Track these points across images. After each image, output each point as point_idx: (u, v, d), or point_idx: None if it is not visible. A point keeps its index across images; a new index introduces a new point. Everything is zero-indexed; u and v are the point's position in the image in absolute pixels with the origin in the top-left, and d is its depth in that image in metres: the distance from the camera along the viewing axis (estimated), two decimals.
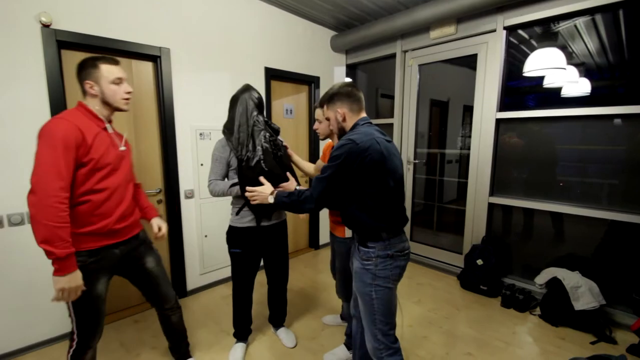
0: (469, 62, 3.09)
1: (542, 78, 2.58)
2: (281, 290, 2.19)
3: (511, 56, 2.84)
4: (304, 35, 3.57)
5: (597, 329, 2.25)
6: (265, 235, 1.95)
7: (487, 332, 2.33)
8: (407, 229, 3.31)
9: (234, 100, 1.82)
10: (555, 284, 2.42)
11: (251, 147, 1.74)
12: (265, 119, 1.84)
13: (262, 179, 1.67)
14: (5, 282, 1.98)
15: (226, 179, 1.88)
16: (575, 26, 2.48)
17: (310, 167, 2.09)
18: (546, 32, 2.64)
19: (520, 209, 2.86)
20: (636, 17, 2.24)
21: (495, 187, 3.02)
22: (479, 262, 2.85)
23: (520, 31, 2.78)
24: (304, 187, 1.63)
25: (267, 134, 1.80)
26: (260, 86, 3.17)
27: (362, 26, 3.61)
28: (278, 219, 1.99)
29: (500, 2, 2.62)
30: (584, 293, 2.28)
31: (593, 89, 2.47)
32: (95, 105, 1.44)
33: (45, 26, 1.98)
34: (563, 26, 2.55)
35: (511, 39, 2.82)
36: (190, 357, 1.97)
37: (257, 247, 1.95)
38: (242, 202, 1.86)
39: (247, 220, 1.88)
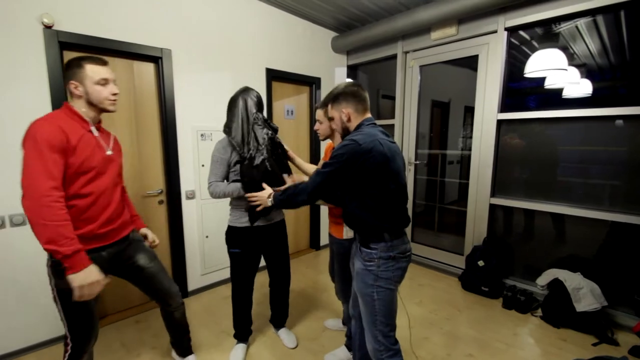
0: (470, 63, 3.08)
1: (543, 79, 2.57)
2: (283, 291, 2.19)
3: (512, 57, 2.84)
4: (304, 36, 3.58)
5: (598, 330, 2.24)
6: (264, 235, 1.95)
7: (488, 333, 2.32)
8: (408, 230, 3.31)
9: (233, 101, 1.83)
10: (556, 286, 2.41)
11: (254, 145, 1.74)
12: (265, 118, 1.84)
13: (264, 185, 1.70)
14: (6, 282, 1.98)
15: (225, 181, 1.87)
16: (577, 27, 2.48)
17: (311, 169, 2.09)
18: (547, 33, 2.64)
19: (522, 210, 2.85)
20: (637, 17, 2.23)
21: (497, 188, 3.02)
22: (480, 263, 2.85)
23: (521, 32, 2.78)
24: None
25: (269, 131, 1.81)
26: (261, 87, 3.17)
27: (363, 27, 3.61)
28: (275, 219, 2.00)
29: (502, 3, 2.62)
30: (585, 294, 2.27)
31: (594, 90, 2.46)
32: (81, 107, 1.41)
33: (48, 27, 1.99)
34: (564, 27, 2.54)
35: (512, 40, 2.82)
36: (191, 353, 1.98)
37: (255, 247, 1.96)
38: (241, 202, 1.87)
39: (245, 220, 1.89)
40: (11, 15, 1.89)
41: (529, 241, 2.88)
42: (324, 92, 3.80)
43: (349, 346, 2.03)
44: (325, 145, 2.21)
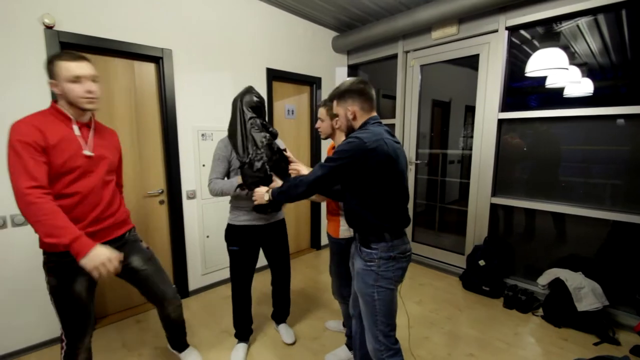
0: (471, 62, 3.08)
1: (544, 78, 2.57)
2: (283, 288, 2.22)
3: (513, 56, 2.84)
4: (305, 36, 3.58)
5: (600, 330, 2.24)
6: (262, 234, 1.98)
7: (489, 332, 2.32)
8: (409, 229, 3.31)
9: (234, 102, 1.84)
10: (558, 285, 2.41)
11: (253, 149, 1.74)
12: (264, 122, 1.83)
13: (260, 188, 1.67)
14: (7, 282, 1.99)
15: (226, 178, 1.90)
16: (578, 26, 2.48)
17: None
18: (548, 32, 2.64)
19: (523, 209, 2.85)
20: (638, 16, 2.23)
21: (498, 187, 3.01)
22: (481, 262, 2.84)
23: (522, 31, 2.78)
24: None
25: (267, 134, 1.80)
26: (261, 87, 3.17)
27: (364, 27, 3.61)
28: (274, 218, 2.01)
29: (502, 3, 2.61)
30: (587, 294, 2.26)
31: (595, 89, 2.46)
32: (64, 105, 1.38)
33: (49, 27, 1.99)
34: (565, 26, 2.54)
35: (513, 39, 2.81)
36: (187, 345, 1.99)
37: (253, 245, 1.98)
38: (239, 202, 1.91)
39: (243, 219, 1.92)
40: (12, 16, 1.89)
41: (530, 241, 2.87)
42: (324, 91, 3.80)
43: (349, 345, 2.03)
44: (327, 146, 2.20)
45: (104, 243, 1.47)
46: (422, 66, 3.50)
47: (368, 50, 3.86)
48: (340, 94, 1.46)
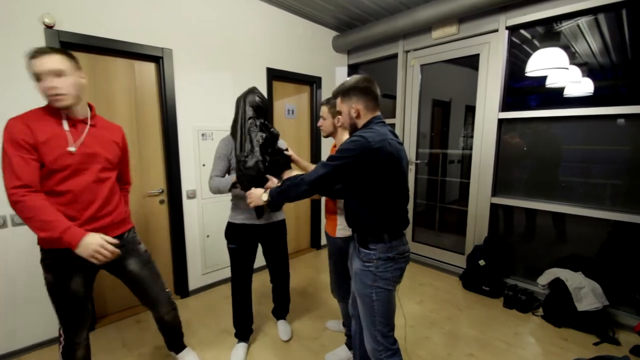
0: (471, 62, 3.08)
1: (544, 78, 2.56)
2: (282, 286, 2.26)
3: (513, 56, 2.83)
4: (305, 36, 3.58)
5: (600, 330, 2.24)
6: (261, 233, 2.00)
7: (489, 332, 2.32)
8: (409, 229, 3.31)
9: (237, 102, 1.85)
10: (558, 285, 2.41)
11: (248, 148, 1.75)
12: (265, 122, 1.83)
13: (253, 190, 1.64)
14: (8, 281, 1.99)
15: (226, 175, 1.92)
16: (578, 26, 2.47)
17: None
18: (549, 32, 2.63)
19: (523, 209, 2.84)
20: (639, 16, 2.23)
21: (498, 187, 3.01)
22: (481, 262, 2.84)
23: (522, 31, 2.78)
24: None
25: (264, 134, 1.79)
26: (262, 86, 3.17)
27: (364, 26, 3.60)
28: (274, 218, 2.02)
29: (503, 2, 2.61)
30: (587, 294, 2.26)
31: (596, 89, 2.45)
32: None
33: (49, 27, 1.99)
34: (566, 26, 2.54)
35: (513, 38, 2.81)
36: (184, 347, 1.99)
37: (252, 244, 2.00)
38: (238, 200, 1.93)
39: (241, 217, 1.95)
40: (12, 15, 1.89)
41: (530, 240, 2.87)
42: (324, 91, 3.80)
43: (349, 345, 2.03)
44: (329, 146, 2.20)
45: None
46: (422, 66, 3.49)
47: (368, 49, 3.85)
48: (345, 91, 1.44)
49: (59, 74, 1.29)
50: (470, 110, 3.14)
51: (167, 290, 1.77)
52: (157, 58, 2.49)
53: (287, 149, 1.93)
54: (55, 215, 1.26)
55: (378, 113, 1.44)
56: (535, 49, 2.64)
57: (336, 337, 2.26)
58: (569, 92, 2.56)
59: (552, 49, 2.34)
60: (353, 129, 1.46)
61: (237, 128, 1.79)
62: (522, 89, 2.86)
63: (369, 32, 3.52)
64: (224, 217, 2.03)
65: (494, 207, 3.01)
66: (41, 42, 1.98)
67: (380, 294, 1.37)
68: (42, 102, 1.96)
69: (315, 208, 3.96)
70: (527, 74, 2.49)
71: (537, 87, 2.73)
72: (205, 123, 2.81)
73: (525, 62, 2.53)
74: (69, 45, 2.10)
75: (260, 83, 3.17)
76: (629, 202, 2.33)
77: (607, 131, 2.40)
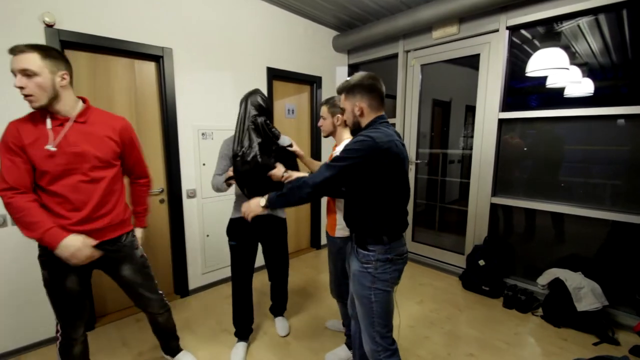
0: (472, 62, 3.08)
1: (545, 78, 2.56)
2: (281, 284, 2.28)
3: (514, 56, 2.83)
4: (305, 35, 3.57)
5: (599, 330, 2.24)
6: (260, 229, 2.00)
7: (489, 332, 2.32)
8: (408, 229, 3.31)
9: (240, 103, 1.86)
10: (557, 285, 2.41)
11: (247, 144, 1.75)
12: (266, 122, 1.82)
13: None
14: (8, 280, 1.99)
15: None
16: (579, 26, 2.47)
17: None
18: (549, 32, 2.63)
19: (523, 209, 2.85)
20: (639, 16, 2.23)
21: (498, 187, 3.01)
22: (481, 262, 2.84)
23: (523, 31, 2.77)
24: None
25: (265, 130, 1.78)
26: (262, 86, 3.17)
27: (364, 26, 3.60)
28: (274, 213, 2.03)
29: (503, 2, 2.61)
30: (586, 294, 2.27)
31: (596, 89, 2.46)
32: None
33: (49, 26, 1.99)
34: (566, 26, 2.53)
35: (514, 38, 2.81)
36: (180, 350, 1.98)
37: (251, 241, 2.00)
38: (241, 198, 1.92)
39: (239, 212, 1.93)
40: (12, 15, 1.89)
41: (529, 240, 2.87)
42: (324, 91, 3.80)
43: (349, 345, 2.03)
44: (330, 146, 2.20)
45: (98, 244, 1.44)
46: (422, 66, 3.49)
47: (368, 49, 3.85)
48: (350, 88, 1.40)
49: (27, 74, 1.25)
50: (471, 110, 3.14)
51: (160, 292, 1.77)
52: (157, 57, 2.49)
53: (291, 145, 1.93)
54: (40, 216, 1.29)
55: (382, 112, 1.42)
56: (535, 49, 2.64)
57: (336, 337, 2.26)
58: (569, 93, 2.56)
59: (552, 49, 2.34)
60: (356, 127, 1.44)
61: (238, 124, 1.79)
62: (522, 89, 2.86)
63: (369, 31, 3.52)
64: (224, 217, 2.04)
65: (493, 207, 3.01)
66: (41, 41, 1.97)
67: (379, 296, 1.37)
68: None
69: (315, 207, 3.96)
70: (528, 74, 2.49)
71: (538, 87, 2.73)
72: (206, 122, 2.81)
73: (525, 62, 2.53)
74: (69, 44, 2.10)
75: (261, 83, 3.17)
76: (629, 202, 2.33)
77: (607, 131, 2.40)
